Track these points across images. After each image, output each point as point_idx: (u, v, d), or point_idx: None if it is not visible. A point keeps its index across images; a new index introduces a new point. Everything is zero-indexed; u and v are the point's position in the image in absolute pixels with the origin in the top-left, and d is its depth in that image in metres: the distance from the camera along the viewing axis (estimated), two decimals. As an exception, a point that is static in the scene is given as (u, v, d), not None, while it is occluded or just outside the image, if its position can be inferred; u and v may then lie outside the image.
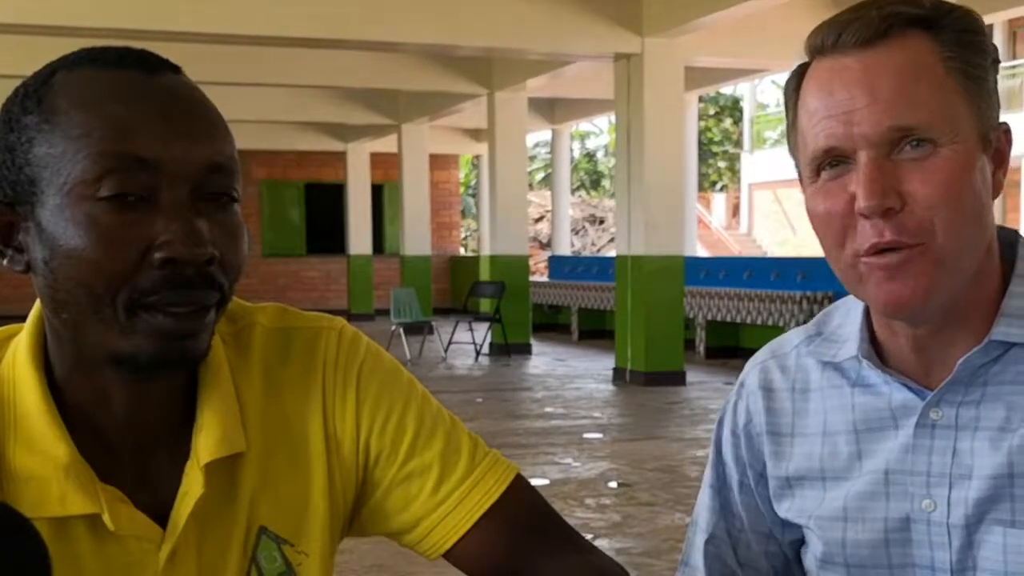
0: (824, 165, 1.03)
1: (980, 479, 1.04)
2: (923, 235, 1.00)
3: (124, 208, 0.90)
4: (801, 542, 1.20)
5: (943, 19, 1.02)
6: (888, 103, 0.99)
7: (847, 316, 1.16)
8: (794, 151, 1.09)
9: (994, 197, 1.05)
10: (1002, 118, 1.06)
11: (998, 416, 1.05)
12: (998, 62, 1.06)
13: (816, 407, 1.17)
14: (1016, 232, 1.13)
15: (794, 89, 1.07)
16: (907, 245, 1.00)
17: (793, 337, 1.23)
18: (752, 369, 1.24)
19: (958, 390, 1.06)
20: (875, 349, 1.12)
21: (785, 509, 1.18)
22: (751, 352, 1.34)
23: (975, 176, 1.01)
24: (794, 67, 1.08)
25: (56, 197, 0.91)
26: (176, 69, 0.97)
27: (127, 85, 0.93)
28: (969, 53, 1.02)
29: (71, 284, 0.92)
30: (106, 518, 0.95)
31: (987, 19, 10.59)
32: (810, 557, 1.18)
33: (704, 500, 1.26)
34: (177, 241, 0.90)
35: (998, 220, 1.08)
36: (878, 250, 1.01)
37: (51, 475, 0.95)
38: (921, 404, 1.08)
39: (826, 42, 1.03)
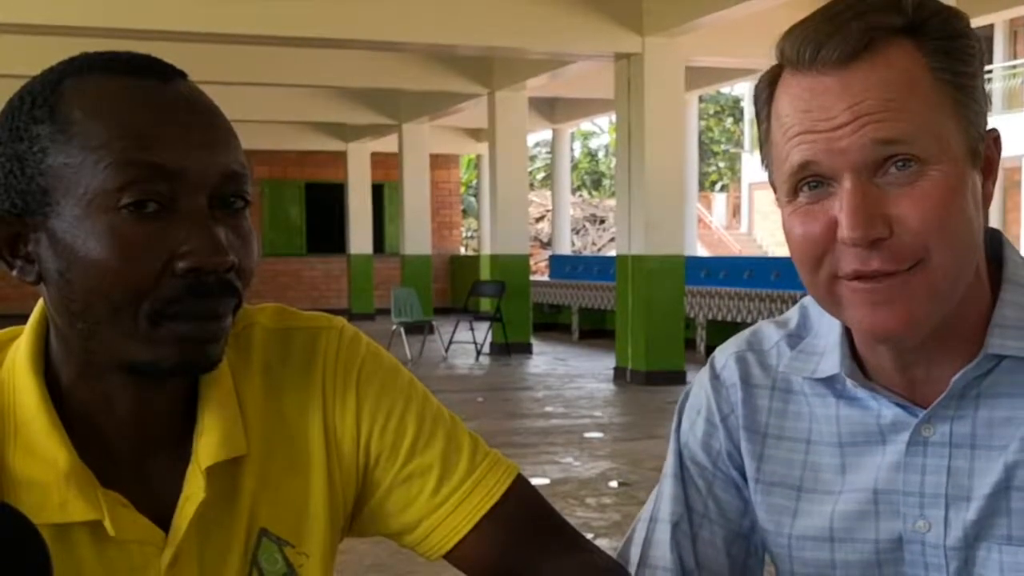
0: (802, 185, 0.97)
1: (978, 499, 1.00)
2: (914, 259, 0.94)
3: (145, 218, 0.90)
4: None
5: (927, 24, 0.95)
6: (872, 118, 0.92)
7: (822, 325, 1.10)
8: (768, 166, 1.02)
9: (984, 209, 0.99)
10: (1002, 118, 1.01)
11: (994, 432, 1.00)
12: (984, 59, 0.99)
13: (799, 411, 1.10)
14: (998, 231, 1.07)
15: (766, 100, 1.00)
16: (898, 272, 0.94)
17: (770, 332, 1.15)
18: (728, 359, 1.15)
19: (949, 405, 1.01)
20: (857, 362, 1.06)
21: (762, 520, 1.12)
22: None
23: (966, 198, 0.95)
24: (765, 71, 1.00)
25: (74, 208, 0.90)
26: (184, 75, 0.97)
27: (143, 93, 0.93)
28: (958, 62, 0.95)
29: (90, 295, 0.91)
30: (107, 524, 0.95)
31: (987, 18, 10.59)
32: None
33: (667, 490, 1.15)
34: (200, 250, 0.91)
35: (997, 220, 1.04)
36: (862, 276, 0.95)
37: (51, 481, 0.94)
38: (914, 421, 1.02)
39: (802, 57, 0.95)
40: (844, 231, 0.94)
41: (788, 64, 0.97)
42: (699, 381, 1.18)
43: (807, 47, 0.95)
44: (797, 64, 0.96)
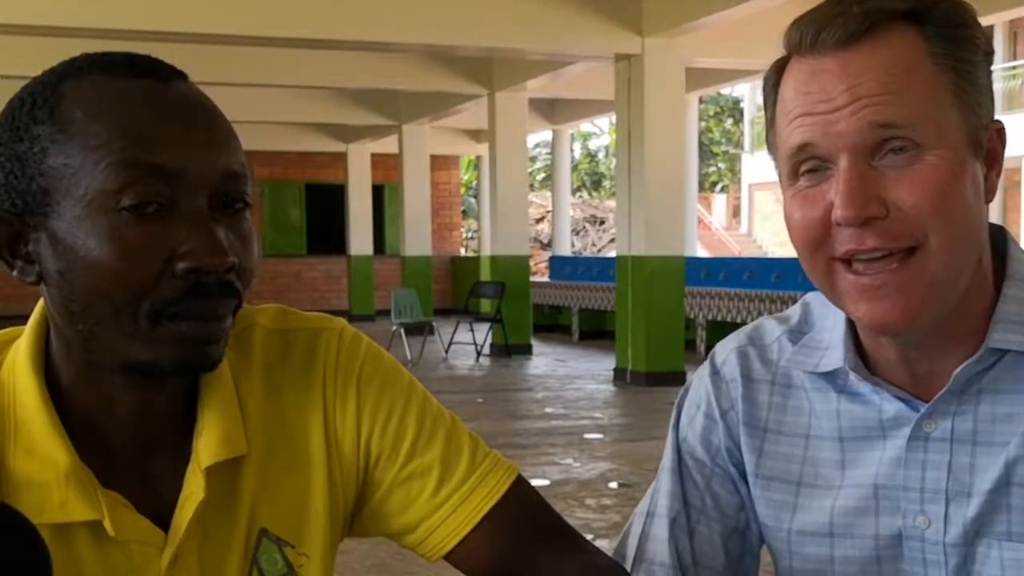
0: (802, 168, 0.97)
1: (979, 495, 0.99)
2: (912, 239, 0.93)
3: (145, 218, 0.90)
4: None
5: (931, 11, 0.95)
6: (870, 101, 0.93)
7: (826, 319, 1.10)
8: (772, 151, 1.03)
9: (988, 201, 0.99)
10: (1002, 119, 0.99)
11: (996, 428, 0.99)
12: (991, 54, 0.99)
13: (799, 406, 1.10)
14: (1001, 227, 1.07)
15: (772, 86, 1.01)
16: (895, 250, 0.94)
17: (771, 327, 1.15)
18: (729, 354, 1.16)
19: (951, 400, 1.01)
20: (860, 356, 1.06)
21: (762, 515, 1.12)
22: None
23: (965, 185, 0.95)
24: (773, 62, 1.02)
25: (74, 208, 0.90)
26: (184, 76, 0.97)
27: (143, 93, 0.93)
28: (960, 49, 0.95)
29: (90, 295, 0.91)
30: (107, 524, 0.95)
31: (987, 19, 10.58)
32: (784, 572, 1.12)
33: (664, 485, 1.15)
34: (200, 250, 0.91)
35: (997, 220, 1.03)
36: (859, 259, 0.95)
37: (51, 481, 0.94)
38: (915, 416, 1.02)
39: (804, 40, 0.96)
40: (838, 211, 0.94)
41: (793, 50, 0.99)
42: (699, 376, 1.18)
43: (809, 30, 0.96)
44: (800, 48, 0.97)
